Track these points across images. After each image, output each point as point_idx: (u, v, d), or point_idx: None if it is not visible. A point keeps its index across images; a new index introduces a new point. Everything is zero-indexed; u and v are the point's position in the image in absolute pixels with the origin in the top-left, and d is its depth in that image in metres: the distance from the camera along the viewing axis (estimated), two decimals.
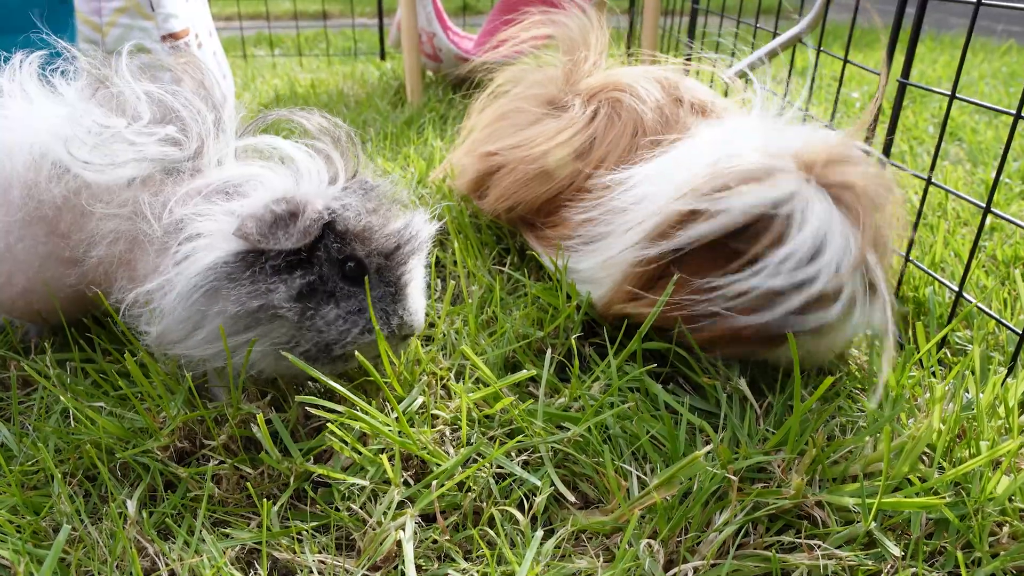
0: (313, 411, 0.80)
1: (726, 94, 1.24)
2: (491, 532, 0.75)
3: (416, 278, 0.90)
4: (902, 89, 1.16)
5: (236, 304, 0.79)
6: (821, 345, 0.87)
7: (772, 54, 1.54)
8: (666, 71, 1.17)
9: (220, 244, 0.80)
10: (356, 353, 0.83)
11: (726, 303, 0.84)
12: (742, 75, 1.46)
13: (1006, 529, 0.75)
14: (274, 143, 0.90)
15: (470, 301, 1.04)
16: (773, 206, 0.82)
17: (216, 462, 0.82)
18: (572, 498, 0.79)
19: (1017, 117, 0.92)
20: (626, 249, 0.91)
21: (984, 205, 0.98)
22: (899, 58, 1.22)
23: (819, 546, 0.72)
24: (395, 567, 0.72)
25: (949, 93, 1.03)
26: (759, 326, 0.84)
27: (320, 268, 0.83)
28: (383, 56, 3.36)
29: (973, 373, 0.90)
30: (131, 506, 0.76)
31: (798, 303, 0.81)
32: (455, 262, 1.21)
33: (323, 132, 0.90)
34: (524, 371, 0.87)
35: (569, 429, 0.84)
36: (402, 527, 0.74)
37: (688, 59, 2.15)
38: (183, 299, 0.79)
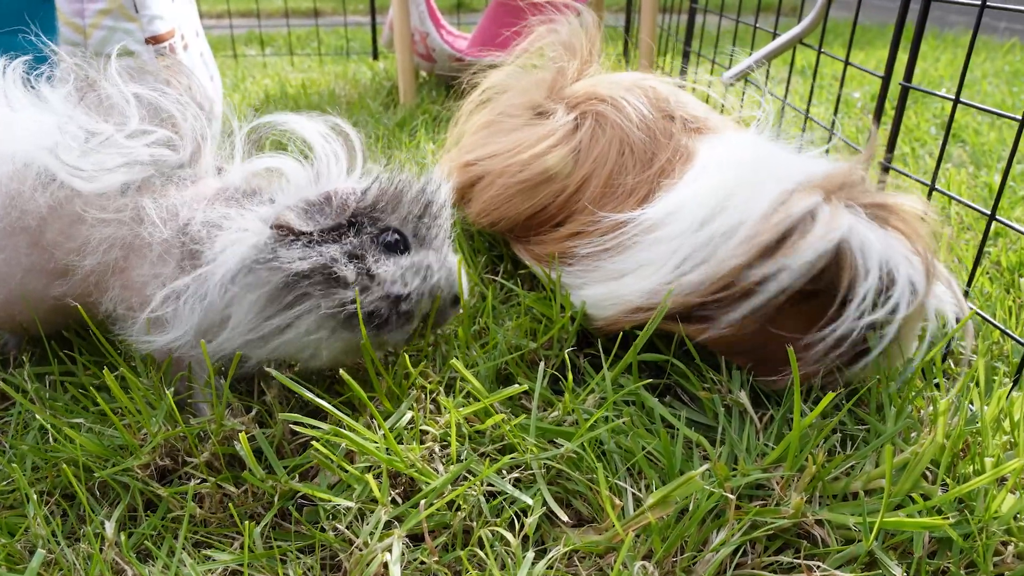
0: (296, 428, 0.78)
1: (721, 105, 1.21)
2: (481, 553, 0.73)
3: (448, 237, 0.91)
4: (904, 93, 1.14)
5: (288, 265, 0.77)
6: (899, 350, 0.89)
7: (771, 56, 1.51)
8: (654, 81, 1.13)
9: (258, 231, 0.80)
10: (369, 352, 0.83)
11: (829, 351, 0.85)
12: (740, 79, 1.43)
13: (1011, 549, 0.73)
14: (292, 126, 0.88)
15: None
16: (836, 248, 0.83)
17: (198, 481, 0.80)
18: (565, 517, 0.76)
19: (1023, 124, 0.89)
20: (650, 293, 0.90)
21: (989, 212, 0.95)
22: (902, 58, 1.19)
23: (819, 567, 0.70)
24: None
25: (953, 97, 1.01)
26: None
27: (360, 236, 0.83)
28: (376, 56, 3.33)
29: (977, 385, 0.87)
30: (109, 527, 0.73)
31: (894, 329, 0.84)
32: None
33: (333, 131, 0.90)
34: (516, 386, 0.85)
35: (563, 445, 0.81)
36: (389, 549, 0.71)
37: (686, 57, 2.12)
38: (224, 284, 0.78)
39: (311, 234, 0.80)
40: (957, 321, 0.93)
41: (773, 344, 0.88)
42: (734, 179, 0.91)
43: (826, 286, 0.85)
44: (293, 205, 0.81)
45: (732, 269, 0.85)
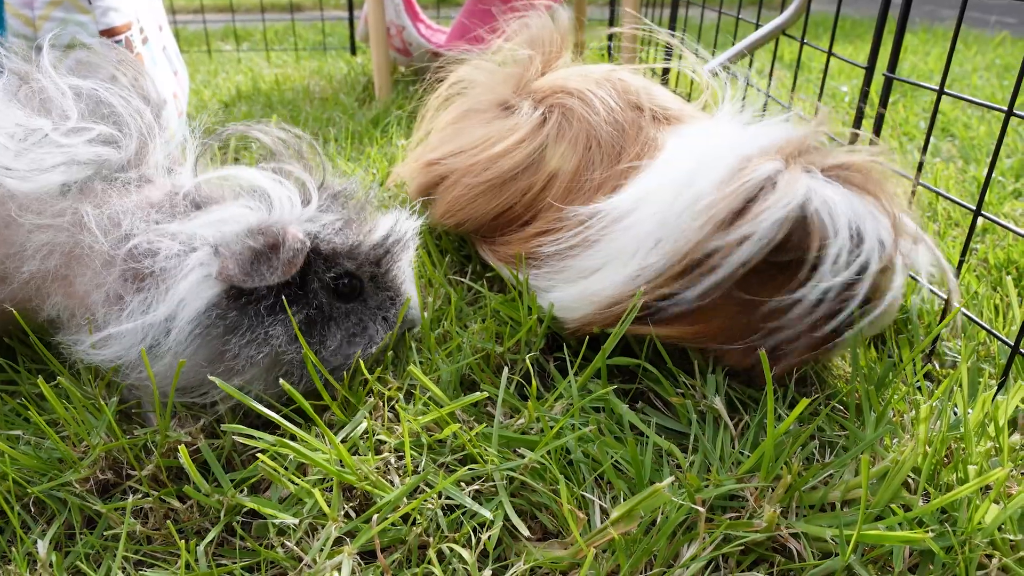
0: (239, 440, 0.74)
1: (690, 94, 1.17)
2: (436, 570, 0.69)
3: (408, 275, 0.90)
4: (888, 84, 1.10)
5: (243, 360, 0.77)
6: (885, 318, 0.86)
7: (753, 47, 1.47)
8: (624, 73, 1.09)
9: (206, 286, 0.76)
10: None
11: (806, 317, 0.81)
12: (720, 71, 1.39)
13: (995, 562, 0.69)
14: (238, 174, 0.84)
15: (425, 314, 0.97)
16: (801, 213, 0.79)
17: (140, 496, 0.76)
18: (526, 531, 0.72)
19: (1009, 114, 0.85)
20: (623, 284, 0.86)
21: (974, 208, 0.92)
22: (886, 51, 1.15)
23: None
24: None
25: (937, 88, 0.97)
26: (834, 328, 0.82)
27: (315, 297, 0.81)
28: (353, 51, 3.27)
29: (961, 388, 0.84)
30: (42, 547, 0.69)
31: (866, 289, 0.80)
32: None
33: (284, 146, 0.86)
34: (478, 393, 0.80)
35: (527, 454, 0.77)
36: (338, 567, 0.67)
37: (668, 53, 2.08)
38: (179, 346, 0.76)
39: (252, 293, 0.78)
40: (932, 277, 0.90)
41: (743, 326, 0.84)
42: (699, 157, 0.87)
43: (795, 254, 0.81)
44: (236, 251, 0.76)
45: (692, 246, 0.81)
